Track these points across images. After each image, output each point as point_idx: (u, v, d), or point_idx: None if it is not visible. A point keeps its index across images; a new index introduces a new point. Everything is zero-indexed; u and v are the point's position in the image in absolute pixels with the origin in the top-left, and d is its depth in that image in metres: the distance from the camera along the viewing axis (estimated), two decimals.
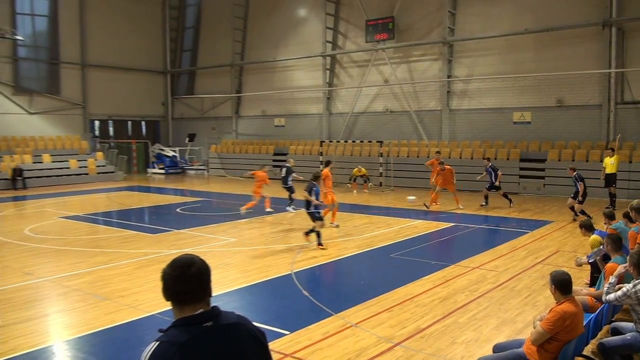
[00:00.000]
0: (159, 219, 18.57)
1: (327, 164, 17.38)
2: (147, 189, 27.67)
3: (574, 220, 16.30)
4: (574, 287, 5.56)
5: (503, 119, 25.72)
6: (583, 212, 16.40)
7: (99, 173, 32.22)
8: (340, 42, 31.48)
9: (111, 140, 37.42)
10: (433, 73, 27.78)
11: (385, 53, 28.95)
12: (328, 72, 31.71)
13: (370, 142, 28.25)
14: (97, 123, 37.39)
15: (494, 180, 19.27)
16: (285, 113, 34.10)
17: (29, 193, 26.33)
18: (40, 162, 30.70)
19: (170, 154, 37.42)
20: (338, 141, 29.74)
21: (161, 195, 24.77)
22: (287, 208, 19.14)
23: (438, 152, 21.79)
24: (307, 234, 13.22)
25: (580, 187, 16.44)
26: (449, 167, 19.75)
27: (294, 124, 33.73)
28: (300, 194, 15.49)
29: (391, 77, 29.06)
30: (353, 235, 14.60)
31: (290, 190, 19.38)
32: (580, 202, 16.54)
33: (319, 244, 12.97)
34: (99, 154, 33.95)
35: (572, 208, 16.86)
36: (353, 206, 20.08)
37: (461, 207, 19.11)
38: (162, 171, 36.43)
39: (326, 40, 31.35)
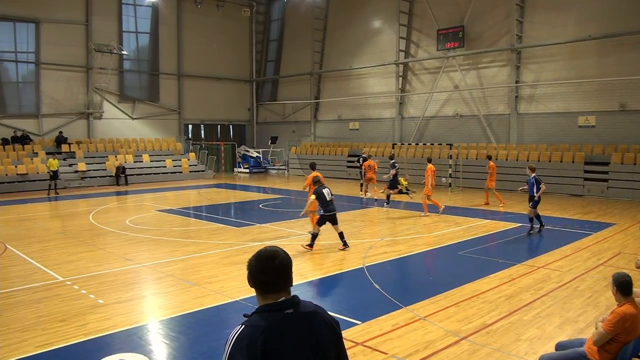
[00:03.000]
0: (244, 214, 18.94)
1: (313, 167, 14.83)
2: (233, 187, 28.30)
3: (529, 233, 14.13)
4: (634, 289, 5.28)
5: (568, 123, 24.64)
6: (538, 217, 14.35)
7: (191, 171, 33.28)
8: (413, 50, 31.10)
9: (202, 142, 38.54)
10: (501, 78, 26.99)
11: (455, 60, 28.38)
12: (400, 78, 31.40)
13: (440, 144, 27.75)
14: (190, 127, 38.62)
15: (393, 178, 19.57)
16: (359, 117, 34.04)
17: (130, 189, 27.50)
18: (141, 162, 32.02)
19: (255, 154, 38.12)
20: (410, 144, 29.38)
21: (246, 192, 25.25)
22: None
23: (489, 157, 20.86)
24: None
25: (542, 188, 13.91)
26: (431, 165, 17.78)
27: (367, 128, 33.61)
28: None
29: (461, 83, 28.46)
30: (423, 233, 14.38)
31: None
32: (534, 206, 14.13)
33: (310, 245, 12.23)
34: (192, 155, 35.06)
35: (533, 219, 14.31)
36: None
37: (426, 214, 17.37)
38: (247, 170, 37.17)
39: (399, 49, 31.05)
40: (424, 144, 28.67)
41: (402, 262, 11.41)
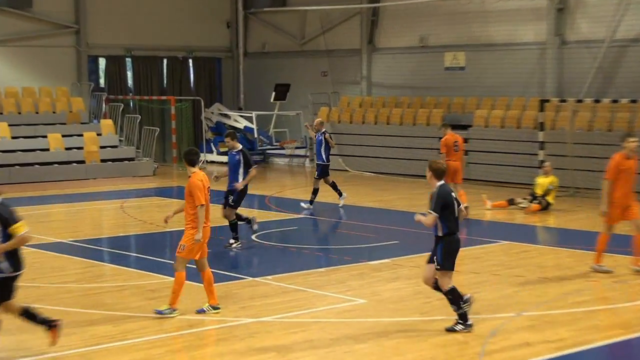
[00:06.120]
0: (217, 255, 18.86)
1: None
2: None
3: None
4: None
5: None
6: None
7: (105, 160, 33.57)
8: None
9: (130, 97, 38.91)
10: None
11: None
12: None
13: None
14: (102, 62, 39.10)
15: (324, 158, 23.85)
16: (466, 42, 34.15)
17: None
18: None
19: (242, 124, 38.20)
20: (579, 101, 28.99)
21: (221, 207, 25.30)
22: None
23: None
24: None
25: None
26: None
27: (484, 65, 33.65)
28: None
29: None
30: (614, 302, 14.15)
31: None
32: None
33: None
34: (106, 124, 35.33)
35: None
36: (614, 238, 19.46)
37: None
38: (225, 157, 37.31)
39: None
40: (614, 101, 28.17)
41: None
